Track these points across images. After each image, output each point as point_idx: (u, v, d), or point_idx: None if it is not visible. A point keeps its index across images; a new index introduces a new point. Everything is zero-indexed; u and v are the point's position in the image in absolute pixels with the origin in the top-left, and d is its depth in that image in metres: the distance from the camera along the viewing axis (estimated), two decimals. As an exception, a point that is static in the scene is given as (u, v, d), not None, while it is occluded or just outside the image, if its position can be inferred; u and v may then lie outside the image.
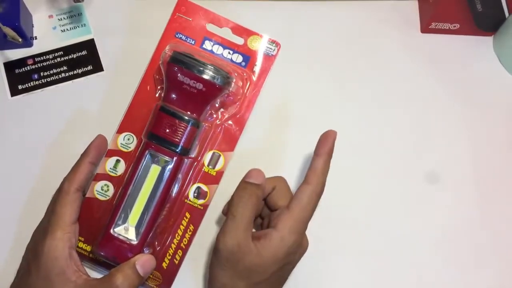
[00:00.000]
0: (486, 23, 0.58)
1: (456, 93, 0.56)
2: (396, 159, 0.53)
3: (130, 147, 0.45)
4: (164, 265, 0.44)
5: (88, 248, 0.44)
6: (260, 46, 0.45)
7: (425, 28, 0.59)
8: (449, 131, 0.54)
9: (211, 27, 0.46)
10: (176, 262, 0.44)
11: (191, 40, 0.46)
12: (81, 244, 0.44)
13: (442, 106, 0.56)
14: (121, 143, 0.45)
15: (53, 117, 0.52)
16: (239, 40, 0.46)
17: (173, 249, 0.44)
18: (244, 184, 0.41)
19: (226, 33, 0.46)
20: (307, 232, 0.42)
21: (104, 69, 0.55)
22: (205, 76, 0.41)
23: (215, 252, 0.39)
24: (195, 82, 0.41)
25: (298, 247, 0.40)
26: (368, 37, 0.58)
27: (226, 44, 0.46)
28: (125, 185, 0.42)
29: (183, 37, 0.46)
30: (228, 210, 0.41)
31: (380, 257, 0.49)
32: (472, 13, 0.56)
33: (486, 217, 0.51)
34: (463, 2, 0.55)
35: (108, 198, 0.44)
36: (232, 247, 0.38)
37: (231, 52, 0.45)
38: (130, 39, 0.56)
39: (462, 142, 0.54)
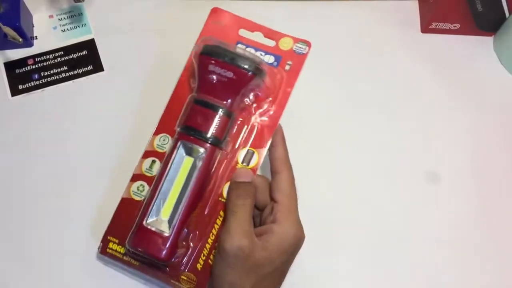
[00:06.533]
0: (486, 23, 0.58)
1: (456, 93, 0.56)
2: (396, 158, 0.53)
3: (165, 148, 0.45)
4: (198, 266, 0.43)
5: (123, 250, 0.43)
6: (290, 46, 0.46)
7: (426, 28, 0.59)
8: (449, 131, 0.54)
9: (243, 32, 0.47)
10: (211, 263, 0.43)
11: None
12: (115, 246, 0.44)
13: (442, 106, 0.56)
14: (157, 144, 0.45)
15: (54, 117, 0.52)
16: (270, 43, 0.47)
17: (208, 249, 0.43)
18: (237, 184, 0.42)
19: (258, 37, 0.47)
20: (305, 229, 0.42)
21: (104, 69, 0.55)
22: (235, 64, 0.41)
23: (221, 252, 0.39)
24: (225, 70, 0.41)
25: (300, 237, 0.41)
26: (368, 37, 0.58)
27: (258, 47, 0.47)
28: (158, 178, 0.42)
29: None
30: (227, 209, 0.41)
31: (380, 257, 0.49)
32: (472, 13, 0.56)
33: (486, 217, 0.51)
34: (463, 2, 0.55)
35: (143, 198, 0.44)
36: (239, 245, 0.38)
37: (263, 53, 0.46)
38: (130, 39, 0.56)
39: (462, 142, 0.54)
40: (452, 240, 0.50)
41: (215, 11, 0.48)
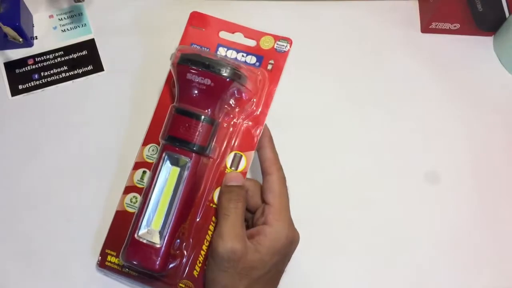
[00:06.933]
0: (486, 23, 0.58)
1: (456, 93, 0.56)
2: (396, 158, 0.53)
3: (155, 158, 0.45)
4: (195, 273, 0.43)
5: (121, 262, 0.43)
6: (272, 45, 0.46)
7: (426, 28, 0.59)
8: (449, 131, 0.54)
9: (223, 34, 0.47)
10: None
11: (206, 49, 0.47)
12: (113, 259, 0.44)
13: (442, 106, 0.56)
14: (146, 155, 0.45)
15: (54, 117, 0.52)
16: (251, 43, 0.46)
17: (203, 256, 0.43)
18: (228, 187, 0.42)
19: (239, 38, 0.47)
20: (304, 230, 0.42)
21: (104, 69, 0.55)
22: (212, 71, 0.41)
23: (214, 256, 0.39)
24: (203, 78, 0.41)
25: (292, 238, 0.41)
26: (368, 37, 0.58)
27: (239, 48, 0.46)
28: (147, 190, 0.42)
29: (198, 47, 0.47)
30: (218, 214, 0.41)
31: (379, 257, 0.49)
32: (472, 13, 0.56)
33: (485, 217, 0.51)
34: (464, 2, 0.55)
35: (136, 209, 0.44)
36: (232, 248, 0.38)
37: (244, 54, 0.46)
38: (130, 39, 0.56)
39: (462, 142, 0.54)
40: (451, 240, 0.50)
41: (194, 15, 0.48)
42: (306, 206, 0.44)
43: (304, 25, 0.58)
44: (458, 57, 0.58)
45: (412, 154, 0.53)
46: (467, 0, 0.55)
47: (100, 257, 0.44)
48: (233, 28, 0.47)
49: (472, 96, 0.56)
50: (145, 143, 0.46)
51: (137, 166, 0.46)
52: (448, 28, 0.59)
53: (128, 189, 0.45)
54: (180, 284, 0.43)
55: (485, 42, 0.60)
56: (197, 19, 0.47)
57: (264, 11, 0.58)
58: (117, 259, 0.44)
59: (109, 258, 0.44)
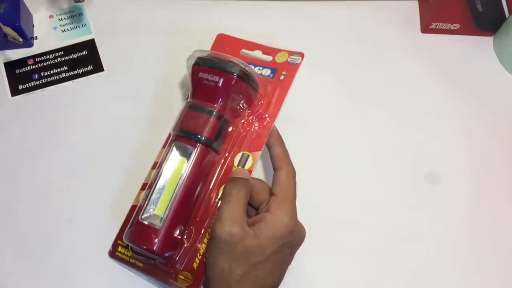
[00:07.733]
0: (486, 23, 0.58)
1: (456, 93, 0.56)
2: (396, 158, 0.53)
3: None
4: (194, 265, 0.44)
5: (130, 253, 0.45)
6: (285, 59, 0.49)
7: (425, 28, 0.59)
8: (449, 131, 0.55)
9: (244, 52, 0.51)
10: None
11: None
12: (123, 250, 0.46)
13: (442, 106, 0.56)
14: None
15: (54, 117, 0.52)
16: (268, 58, 0.50)
17: (204, 248, 0.44)
18: (233, 178, 0.43)
19: (257, 55, 0.51)
20: (308, 229, 0.42)
21: (104, 69, 0.55)
22: (220, 68, 0.44)
23: (213, 240, 0.40)
24: (212, 75, 0.45)
25: (294, 229, 0.41)
26: (368, 37, 0.58)
27: (256, 63, 0.50)
28: (155, 177, 0.44)
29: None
30: (221, 199, 0.42)
31: (379, 257, 0.49)
32: (472, 13, 0.57)
33: (485, 217, 0.51)
34: (463, 2, 0.55)
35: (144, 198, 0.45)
36: (230, 231, 0.39)
37: (261, 68, 0.50)
38: (130, 39, 0.56)
39: (462, 142, 0.54)
40: (451, 240, 0.50)
41: (220, 37, 0.52)
42: (306, 206, 0.44)
43: (304, 25, 0.58)
44: (458, 57, 0.58)
45: (412, 154, 0.53)
46: (467, 0, 0.55)
47: (111, 248, 0.46)
48: (252, 46, 0.51)
49: (472, 96, 0.56)
50: (165, 146, 0.47)
51: (156, 165, 0.47)
52: (448, 28, 0.59)
53: (146, 186, 0.46)
54: (180, 276, 0.44)
55: (485, 42, 0.60)
56: (222, 40, 0.52)
57: (264, 11, 0.58)
58: (127, 250, 0.45)
59: (119, 248, 0.46)
